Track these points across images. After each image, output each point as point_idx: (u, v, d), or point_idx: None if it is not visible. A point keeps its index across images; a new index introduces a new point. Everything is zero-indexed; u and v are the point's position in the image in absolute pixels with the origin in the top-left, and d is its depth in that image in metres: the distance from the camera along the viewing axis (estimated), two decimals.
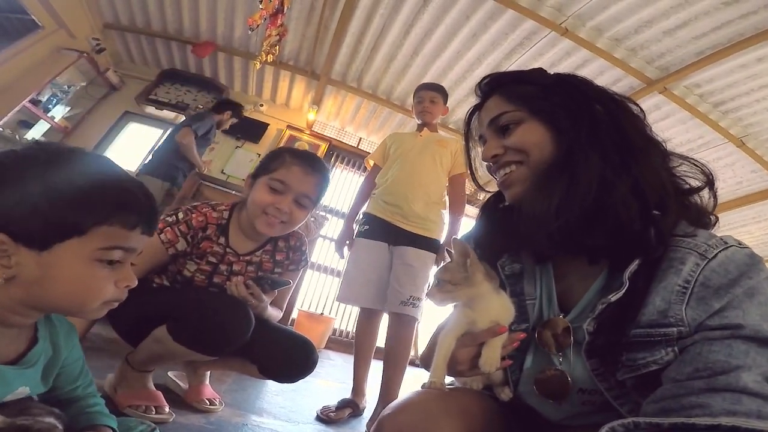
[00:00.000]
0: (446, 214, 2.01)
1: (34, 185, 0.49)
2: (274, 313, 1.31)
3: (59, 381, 0.64)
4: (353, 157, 4.55)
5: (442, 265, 0.67)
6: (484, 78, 0.73)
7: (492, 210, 0.76)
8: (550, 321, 0.64)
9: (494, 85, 0.72)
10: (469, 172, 0.83)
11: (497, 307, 0.66)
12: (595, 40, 2.69)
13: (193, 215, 1.21)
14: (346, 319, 4.14)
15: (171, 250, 1.17)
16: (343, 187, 4.53)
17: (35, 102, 3.45)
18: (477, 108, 0.75)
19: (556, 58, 2.92)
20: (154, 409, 1.10)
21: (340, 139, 4.56)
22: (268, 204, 1.17)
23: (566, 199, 0.57)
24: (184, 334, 1.03)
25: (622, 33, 2.61)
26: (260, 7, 2.51)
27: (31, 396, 0.57)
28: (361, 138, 4.63)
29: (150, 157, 3.00)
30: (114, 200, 0.54)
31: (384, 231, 1.92)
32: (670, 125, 3.18)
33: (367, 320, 1.94)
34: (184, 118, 4.05)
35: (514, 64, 3.03)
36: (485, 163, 0.72)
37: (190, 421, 1.18)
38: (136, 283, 0.60)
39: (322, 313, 3.90)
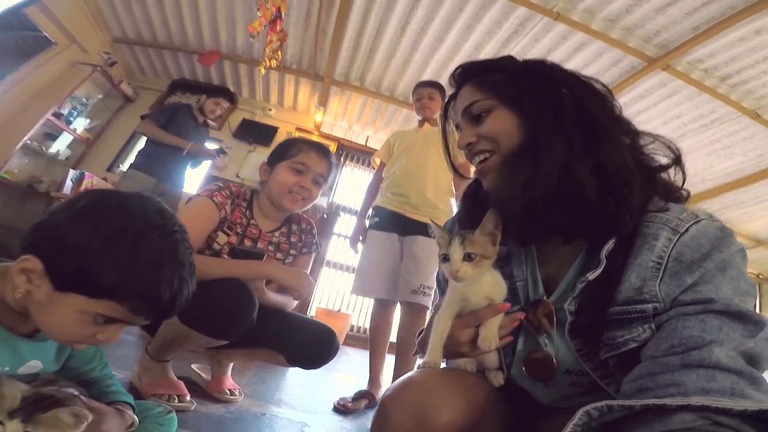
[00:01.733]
0: (455, 204, 2.05)
1: (96, 241, 0.56)
2: (287, 301, 1.38)
3: (75, 362, 0.72)
4: (362, 155, 4.60)
5: (454, 238, 0.64)
6: (457, 68, 0.74)
7: (474, 195, 0.77)
8: (535, 303, 0.65)
9: (466, 75, 0.72)
10: (447, 159, 0.85)
11: (490, 282, 0.66)
12: (589, 22, 2.66)
13: (230, 184, 1.39)
14: (363, 315, 4.21)
15: (222, 211, 1.30)
16: (354, 185, 4.59)
17: (57, 115, 3.59)
18: (452, 97, 0.77)
19: (553, 43, 2.90)
20: (176, 398, 1.19)
21: (349, 138, 4.62)
22: (294, 183, 1.35)
23: (530, 182, 0.58)
24: (190, 316, 1.08)
25: (614, 13, 2.58)
26: (258, 14, 2.57)
27: (45, 371, 0.65)
28: (368, 136, 4.67)
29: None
30: (135, 291, 0.57)
31: (393, 222, 1.98)
32: (678, 101, 3.12)
33: (381, 311, 2.00)
34: None
35: (511, 52, 3.01)
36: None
37: (210, 410, 1.26)
38: (116, 340, 0.64)
39: (339, 310, 4.00)
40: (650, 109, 3.27)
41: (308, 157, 1.37)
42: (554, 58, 2.91)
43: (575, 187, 0.57)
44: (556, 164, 0.57)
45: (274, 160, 1.41)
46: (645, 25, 2.60)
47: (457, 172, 0.85)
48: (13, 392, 0.54)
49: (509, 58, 0.71)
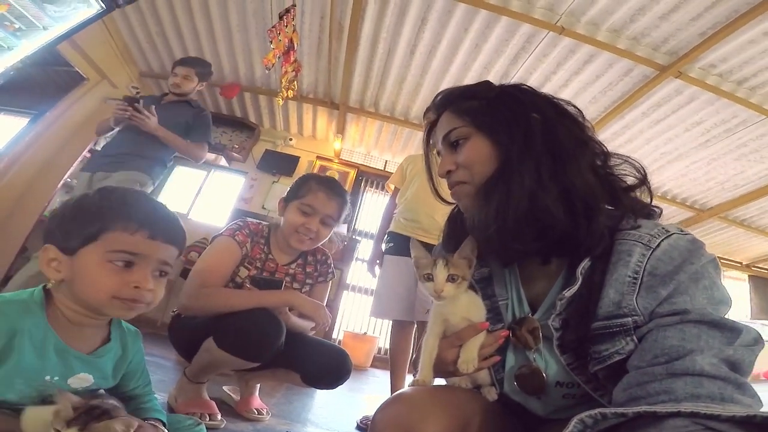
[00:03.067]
0: None
1: (65, 211, 0.68)
2: (306, 325, 1.44)
3: (124, 379, 0.79)
4: (381, 179, 4.66)
5: (437, 259, 0.69)
6: (437, 95, 0.77)
7: (456, 219, 0.79)
8: (520, 320, 0.68)
9: (445, 102, 0.75)
10: (431, 185, 0.86)
11: (467, 303, 0.70)
12: (594, 34, 2.69)
13: (249, 223, 1.48)
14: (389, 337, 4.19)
15: (244, 249, 1.40)
16: (374, 211, 4.65)
17: (93, 152, 3.63)
18: (433, 124, 0.79)
19: (561, 57, 2.93)
20: (208, 416, 1.26)
21: (368, 164, 4.70)
22: (300, 225, 1.41)
23: (501, 209, 0.61)
24: (227, 342, 1.19)
25: (618, 23, 2.60)
26: (271, 47, 2.68)
27: (97, 386, 0.72)
28: (387, 160, 4.75)
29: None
30: (112, 211, 0.67)
31: (406, 246, 2.02)
32: (698, 108, 3.09)
33: (400, 332, 2.04)
34: (222, 159, 4.40)
35: (520, 69, 3.07)
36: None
37: (239, 428, 1.32)
38: (150, 286, 0.69)
39: (365, 333, 4.02)
40: (669, 117, 3.24)
41: (316, 198, 1.42)
42: (565, 71, 3.01)
43: (543, 212, 0.59)
44: (525, 191, 0.60)
45: (288, 198, 1.49)
46: (651, 34, 2.62)
47: (440, 197, 0.86)
48: (66, 404, 0.61)
49: (486, 84, 0.73)
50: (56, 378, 0.66)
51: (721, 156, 3.58)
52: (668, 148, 3.61)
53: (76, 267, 0.66)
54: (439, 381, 0.73)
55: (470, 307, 0.70)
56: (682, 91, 2.98)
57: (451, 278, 0.67)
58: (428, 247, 2.07)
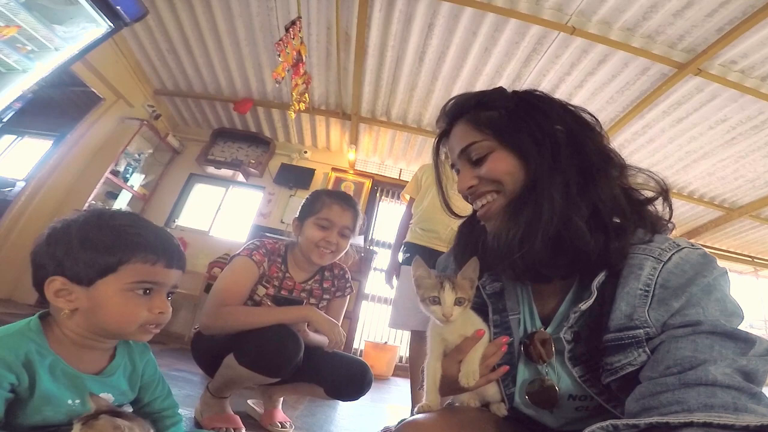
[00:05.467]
0: None
1: (75, 239, 0.66)
2: (324, 340, 1.43)
3: (141, 392, 0.79)
4: (397, 189, 4.67)
5: (444, 282, 0.67)
6: (448, 102, 0.73)
7: (469, 230, 0.77)
8: (532, 334, 0.67)
9: (458, 111, 0.72)
10: (441, 198, 0.83)
11: (462, 320, 0.69)
12: (607, 33, 2.64)
13: (266, 242, 1.50)
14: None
15: (261, 269, 1.41)
16: (390, 220, 4.63)
17: (115, 173, 3.80)
18: (444, 133, 0.76)
19: (575, 57, 2.88)
20: (232, 431, 1.28)
21: (382, 173, 4.72)
22: (320, 239, 1.43)
23: (529, 232, 0.59)
24: (247, 358, 1.21)
25: (631, 22, 2.55)
26: (280, 60, 2.68)
27: (119, 403, 0.73)
28: (401, 169, 4.76)
29: None
30: (129, 244, 0.68)
31: (424, 257, 2.01)
32: (721, 105, 3.01)
33: (419, 342, 2.01)
34: (240, 175, 4.47)
35: (533, 72, 3.04)
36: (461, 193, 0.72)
37: None
38: (170, 310, 0.72)
39: (386, 342, 4.00)
40: (692, 115, 3.17)
41: (331, 211, 1.44)
42: (579, 72, 2.98)
43: (575, 235, 0.58)
44: (556, 211, 0.58)
45: (302, 216, 1.50)
46: (666, 31, 2.56)
47: (451, 210, 0.83)
48: (92, 405, 0.64)
49: (500, 91, 0.70)
50: (78, 401, 0.66)
51: (749, 153, 3.48)
52: (692, 146, 3.52)
53: (95, 298, 0.66)
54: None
55: (466, 323, 0.69)
56: (703, 89, 2.91)
57: (458, 301, 0.67)
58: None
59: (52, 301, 0.66)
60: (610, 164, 0.63)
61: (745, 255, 5.20)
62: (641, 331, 0.52)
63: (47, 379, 0.63)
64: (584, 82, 3.07)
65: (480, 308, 0.73)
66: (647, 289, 0.54)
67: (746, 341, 0.46)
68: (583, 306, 0.59)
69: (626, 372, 0.52)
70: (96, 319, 0.67)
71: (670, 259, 0.55)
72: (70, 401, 0.65)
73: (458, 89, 3.42)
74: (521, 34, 2.81)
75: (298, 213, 1.54)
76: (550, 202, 0.59)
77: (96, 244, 0.66)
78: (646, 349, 0.51)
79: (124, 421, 0.63)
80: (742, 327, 0.50)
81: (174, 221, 4.40)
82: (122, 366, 0.75)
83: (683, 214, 4.45)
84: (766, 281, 5.57)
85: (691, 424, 0.37)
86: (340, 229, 1.45)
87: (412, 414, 1.84)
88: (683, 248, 0.56)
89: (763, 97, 2.83)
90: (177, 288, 0.77)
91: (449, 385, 0.67)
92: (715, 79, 2.76)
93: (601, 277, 0.58)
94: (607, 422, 0.40)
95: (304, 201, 1.55)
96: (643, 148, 3.61)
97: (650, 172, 0.65)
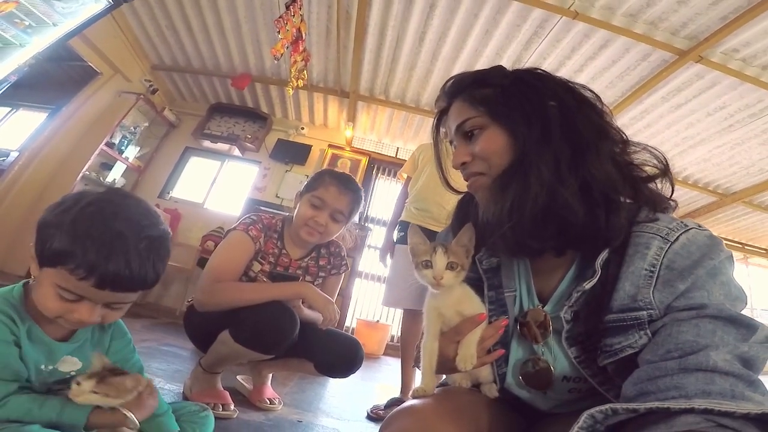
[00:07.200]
0: None
1: (48, 219, 0.67)
2: (318, 317, 1.45)
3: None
4: (393, 167, 4.66)
5: (437, 246, 0.66)
6: (448, 81, 0.73)
7: (467, 206, 0.77)
8: (529, 312, 0.66)
9: (457, 89, 0.71)
10: (440, 174, 0.83)
11: (459, 295, 0.68)
12: (610, 18, 2.60)
13: (262, 217, 1.49)
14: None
15: (257, 244, 1.41)
16: (386, 198, 4.66)
17: (110, 145, 3.82)
18: (443, 111, 0.76)
19: (576, 42, 2.84)
20: (221, 407, 1.30)
21: (379, 151, 4.70)
22: (309, 217, 1.42)
23: (517, 204, 0.59)
24: (243, 335, 1.22)
25: (634, 8, 2.51)
26: (279, 37, 2.65)
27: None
28: (398, 147, 4.74)
29: None
30: (70, 251, 0.63)
31: None
32: (720, 92, 3.00)
33: (411, 321, 2.04)
34: (236, 149, 4.45)
35: (533, 54, 3.00)
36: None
37: (251, 418, 1.36)
38: (92, 319, 0.68)
39: (377, 321, 4.07)
40: (690, 101, 3.15)
41: (327, 192, 1.42)
42: (579, 56, 2.93)
43: (562, 207, 0.57)
44: (543, 184, 0.57)
45: (303, 191, 1.49)
46: (669, 18, 2.52)
47: (451, 187, 0.83)
48: (95, 362, 0.71)
49: (499, 69, 0.70)
50: (50, 367, 0.71)
51: (746, 141, 3.48)
52: (690, 132, 3.51)
53: (38, 278, 0.68)
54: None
55: (463, 299, 0.68)
56: (704, 76, 2.89)
57: (450, 266, 0.65)
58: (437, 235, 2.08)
59: (30, 267, 0.70)
60: (607, 140, 0.61)
61: (736, 242, 5.24)
62: (644, 312, 0.52)
63: (27, 342, 0.67)
64: (584, 66, 3.04)
65: (475, 284, 0.71)
66: (652, 269, 0.53)
67: (748, 327, 0.46)
68: (588, 285, 0.57)
69: (625, 354, 0.52)
70: (34, 296, 0.70)
71: (677, 239, 0.54)
72: (42, 366, 0.70)
73: (457, 70, 3.34)
74: (523, 17, 2.77)
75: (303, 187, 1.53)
76: (538, 175, 0.58)
77: (52, 234, 0.65)
78: (648, 331, 0.51)
79: (136, 375, 0.70)
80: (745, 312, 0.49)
81: (168, 193, 4.42)
82: (88, 339, 0.78)
83: (677, 199, 4.38)
84: (756, 268, 5.66)
85: (691, 411, 0.37)
86: (331, 212, 1.43)
87: (402, 393, 1.91)
88: (690, 229, 0.55)
89: (763, 85, 2.81)
90: (123, 303, 0.74)
91: (444, 364, 0.66)
92: (716, 67, 2.74)
93: (604, 255, 0.57)
94: (607, 406, 0.40)
95: (310, 177, 1.54)
96: (641, 132, 3.60)
97: (652, 147, 0.63)
